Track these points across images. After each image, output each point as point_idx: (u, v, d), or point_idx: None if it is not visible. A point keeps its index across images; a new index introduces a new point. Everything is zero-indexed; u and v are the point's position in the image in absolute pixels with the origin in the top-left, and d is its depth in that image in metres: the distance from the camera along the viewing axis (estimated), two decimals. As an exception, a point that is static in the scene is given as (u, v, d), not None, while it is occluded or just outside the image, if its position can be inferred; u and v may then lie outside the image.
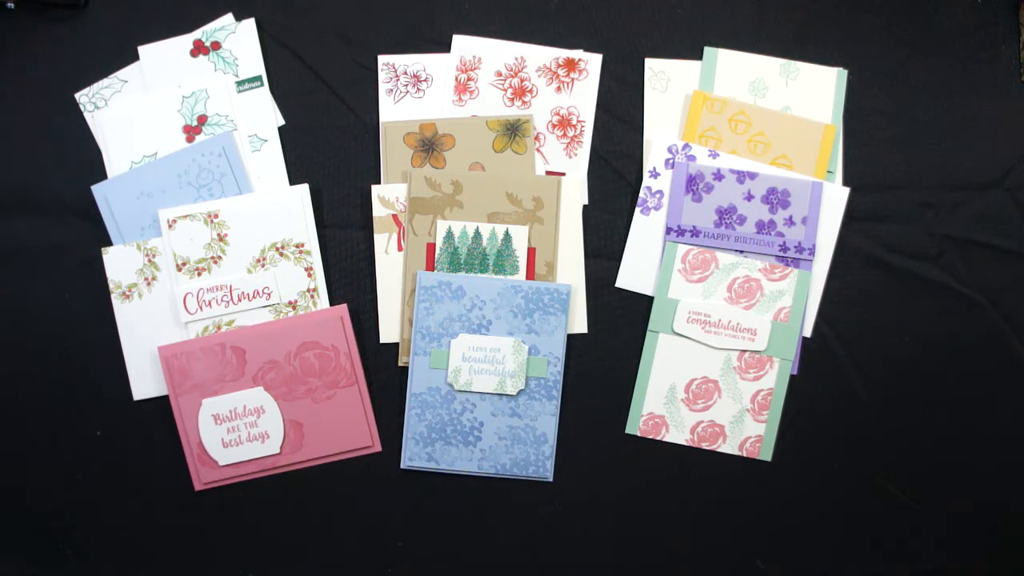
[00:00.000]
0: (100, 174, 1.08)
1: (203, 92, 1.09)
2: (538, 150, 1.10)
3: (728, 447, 1.07)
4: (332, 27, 1.11)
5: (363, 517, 1.07)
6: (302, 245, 1.07)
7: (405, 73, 1.10)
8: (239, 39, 1.09)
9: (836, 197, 1.08)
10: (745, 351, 1.07)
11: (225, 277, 1.06)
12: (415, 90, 1.10)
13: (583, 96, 1.10)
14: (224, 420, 1.04)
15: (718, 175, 1.07)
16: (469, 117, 1.09)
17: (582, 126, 1.10)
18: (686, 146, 1.08)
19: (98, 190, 1.06)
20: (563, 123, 1.10)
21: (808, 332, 1.08)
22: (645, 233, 1.09)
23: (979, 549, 1.08)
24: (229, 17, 1.10)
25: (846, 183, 1.09)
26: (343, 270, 1.08)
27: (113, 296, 1.06)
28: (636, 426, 1.08)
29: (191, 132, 1.08)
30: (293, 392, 1.05)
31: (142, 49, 1.09)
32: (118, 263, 1.06)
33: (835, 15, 1.12)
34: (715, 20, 1.11)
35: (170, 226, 1.05)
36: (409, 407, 1.05)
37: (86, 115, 1.09)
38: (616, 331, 1.09)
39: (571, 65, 1.10)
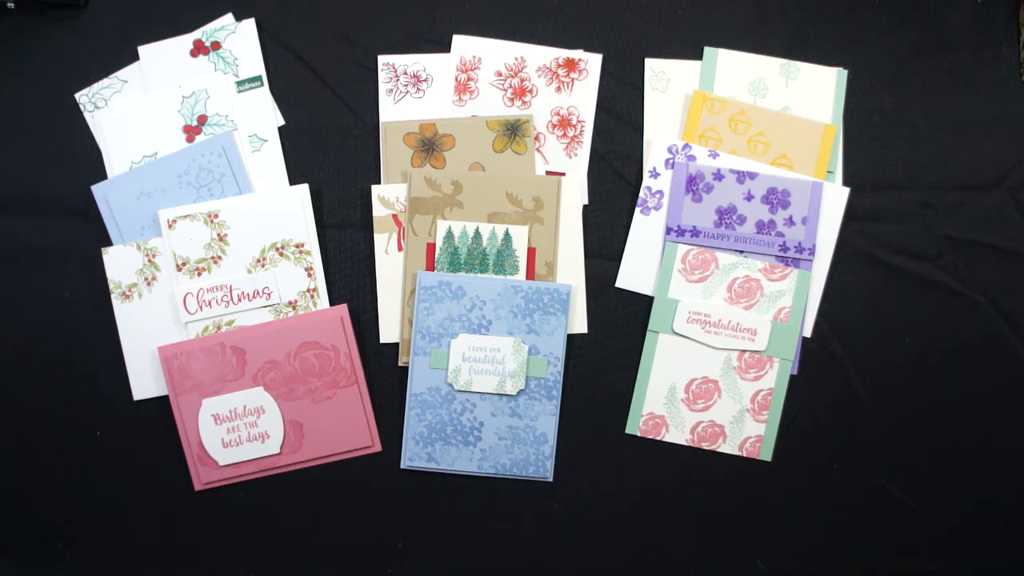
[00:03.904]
0: (100, 174, 1.08)
1: (203, 92, 1.09)
2: (538, 150, 1.10)
3: (728, 447, 1.07)
4: (332, 27, 1.11)
5: (363, 517, 1.07)
6: (302, 245, 1.07)
7: (405, 73, 1.10)
8: (239, 39, 1.09)
9: (836, 197, 1.08)
10: (745, 351, 1.07)
11: (225, 277, 1.06)
12: (415, 90, 1.10)
13: (583, 96, 1.10)
14: (224, 420, 1.04)
15: (718, 175, 1.07)
16: (469, 117, 1.10)
17: (582, 126, 1.10)
18: (686, 146, 1.08)
19: (98, 190, 1.06)
20: (563, 123, 1.10)
21: (808, 332, 1.08)
22: (645, 233, 1.09)
23: (979, 549, 1.08)
24: (229, 17, 1.10)
25: (846, 183, 1.09)
26: (343, 270, 1.08)
27: (113, 296, 1.06)
28: (636, 426, 1.08)
29: (191, 132, 1.08)
30: (293, 392, 1.05)
31: (142, 49, 1.09)
32: (118, 263, 1.06)
33: (835, 15, 1.12)
34: (715, 20, 1.11)
35: (170, 226, 1.05)
36: (409, 407, 1.05)
37: (86, 115, 1.09)
38: (616, 331, 1.09)
39: (571, 65, 1.10)
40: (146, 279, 1.06)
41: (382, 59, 1.10)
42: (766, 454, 1.07)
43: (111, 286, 1.06)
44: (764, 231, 1.07)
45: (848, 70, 1.10)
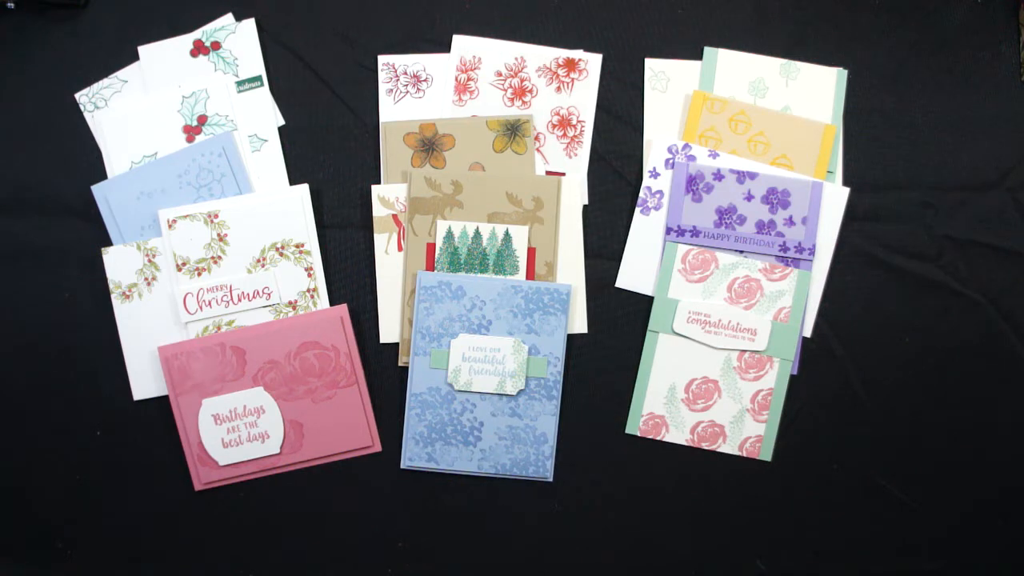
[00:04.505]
0: (100, 174, 1.08)
1: (203, 92, 1.09)
2: (538, 150, 1.10)
3: (728, 447, 1.07)
4: (332, 27, 1.11)
5: (363, 517, 1.07)
6: (302, 245, 1.07)
7: (405, 73, 1.10)
8: (239, 39, 1.09)
9: (836, 197, 1.08)
10: (745, 351, 1.07)
11: (225, 277, 1.06)
12: (415, 90, 1.10)
13: (583, 96, 1.10)
14: (224, 420, 1.04)
15: (718, 175, 1.07)
16: (469, 117, 1.10)
17: (582, 126, 1.10)
18: (686, 146, 1.08)
19: (98, 190, 1.06)
20: (563, 123, 1.10)
21: (808, 332, 1.08)
22: (645, 233, 1.09)
23: (979, 549, 1.08)
24: (229, 17, 1.10)
25: (846, 183, 1.09)
26: (343, 270, 1.08)
27: (113, 296, 1.06)
28: (636, 426, 1.08)
29: (191, 132, 1.08)
30: (293, 392, 1.05)
31: (142, 49, 1.09)
32: (118, 263, 1.06)
33: (835, 15, 1.12)
34: (715, 20, 1.11)
35: (170, 226, 1.05)
36: (409, 407, 1.05)
37: (86, 115, 1.09)
38: (616, 331, 1.09)
39: (571, 65, 1.10)
40: (146, 279, 1.06)
41: (382, 59, 1.10)
42: (766, 454, 1.07)
43: (111, 286, 1.06)
44: (764, 231, 1.07)
45: (848, 70, 1.10)
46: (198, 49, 1.09)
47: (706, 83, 1.10)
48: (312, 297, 1.07)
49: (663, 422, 1.08)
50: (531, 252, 1.07)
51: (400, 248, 1.07)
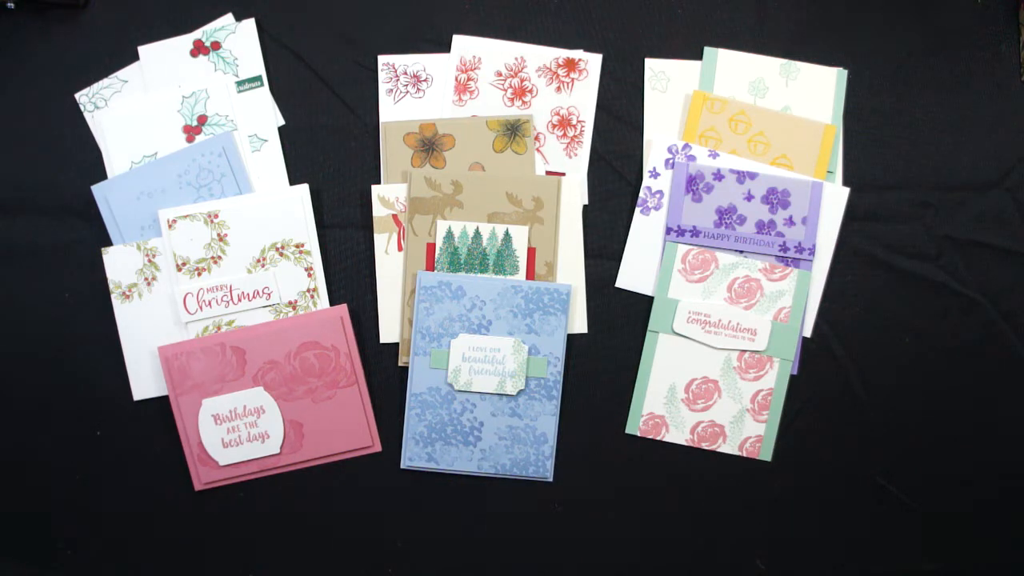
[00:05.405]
0: (100, 174, 1.08)
1: (203, 92, 1.09)
2: (538, 150, 1.10)
3: (728, 447, 1.07)
4: (332, 27, 1.11)
5: (363, 517, 1.07)
6: (302, 245, 1.07)
7: (405, 73, 1.10)
8: (239, 39, 1.09)
9: (836, 197, 1.08)
10: (745, 351, 1.07)
11: (225, 277, 1.06)
12: (415, 90, 1.10)
13: (583, 96, 1.10)
14: (224, 420, 1.04)
15: (718, 175, 1.07)
16: (469, 117, 1.10)
17: (582, 126, 1.10)
18: (686, 146, 1.08)
19: (98, 190, 1.06)
20: (563, 123, 1.10)
21: (808, 332, 1.08)
22: (645, 233, 1.09)
23: (979, 549, 1.08)
24: (229, 17, 1.10)
25: (846, 183, 1.09)
26: (343, 270, 1.08)
27: (113, 296, 1.06)
28: (636, 426, 1.08)
29: (191, 132, 1.08)
30: (293, 392, 1.05)
31: (142, 49, 1.09)
32: (118, 263, 1.06)
33: (835, 15, 1.12)
34: (715, 20, 1.11)
35: (170, 226, 1.05)
36: (409, 407, 1.05)
37: (86, 115, 1.09)
38: (616, 331, 1.09)
39: (571, 65, 1.10)
40: (146, 279, 1.06)
41: (382, 59, 1.10)
42: (766, 454, 1.07)
43: (111, 286, 1.06)
44: (764, 231, 1.07)
45: (848, 70, 1.10)
46: (198, 49, 1.09)
47: (706, 83, 1.10)
48: (312, 297, 1.07)
49: (663, 422, 1.08)
50: (531, 252, 1.07)
51: (400, 248, 1.07)
